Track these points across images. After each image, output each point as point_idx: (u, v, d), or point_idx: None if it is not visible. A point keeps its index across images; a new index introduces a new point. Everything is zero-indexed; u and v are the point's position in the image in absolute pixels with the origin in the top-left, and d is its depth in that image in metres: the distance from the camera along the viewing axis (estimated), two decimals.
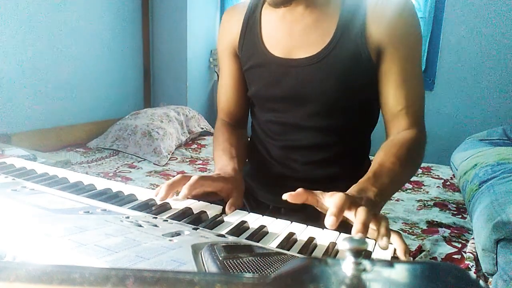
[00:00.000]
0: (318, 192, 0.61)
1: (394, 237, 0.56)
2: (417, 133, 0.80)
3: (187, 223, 0.57)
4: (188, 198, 0.69)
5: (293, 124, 0.87)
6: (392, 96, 0.80)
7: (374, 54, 0.79)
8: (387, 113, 0.83)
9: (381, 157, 0.74)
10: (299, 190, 0.60)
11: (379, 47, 0.78)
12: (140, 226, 0.51)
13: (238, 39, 0.91)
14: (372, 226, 0.54)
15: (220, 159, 0.87)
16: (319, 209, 0.61)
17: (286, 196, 0.59)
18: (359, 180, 0.66)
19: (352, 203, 0.56)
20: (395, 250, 0.55)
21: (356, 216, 0.53)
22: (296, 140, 0.87)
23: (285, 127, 0.88)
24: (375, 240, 0.55)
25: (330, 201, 0.56)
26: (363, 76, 0.81)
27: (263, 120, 0.92)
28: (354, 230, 0.52)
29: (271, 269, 0.39)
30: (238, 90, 0.97)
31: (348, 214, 0.56)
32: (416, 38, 0.80)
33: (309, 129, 0.86)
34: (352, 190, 0.62)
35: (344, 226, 0.57)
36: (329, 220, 0.52)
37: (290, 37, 0.83)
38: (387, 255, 0.53)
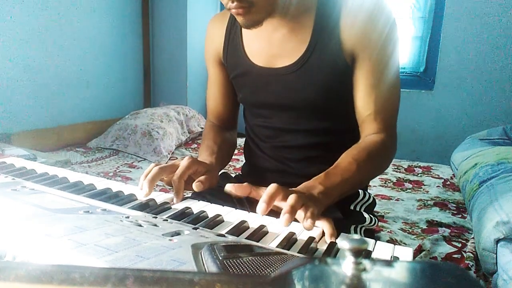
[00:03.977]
0: (261, 188, 0.63)
1: (322, 222, 0.59)
2: (383, 137, 0.80)
3: (187, 223, 0.57)
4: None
5: (281, 128, 0.89)
6: (361, 101, 0.81)
7: (349, 60, 0.79)
8: (357, 118, 0.84)
9: (340, 159, 0.75)
10: (244, 184, 0.63)
11: (352, 52, 0.79)
12: (140, 225, 0.51)
13: (222, 49, 0.93)
14: (300, 212, 0.58)
15: (201, 155, 0.90)
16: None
17: (228, 187, 0.63)
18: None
19: (285, 195, 0.59)
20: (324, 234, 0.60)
21: (287, 201, 0.57)
22: (286, 141, 0.90)
23: (273, 130, 0.91)
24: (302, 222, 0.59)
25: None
26: (343, 81, 0.81)
27: (253, 124, 0.95)
28: (282, 212, 0.56)
29: (271, 269, 0.39)
30: (225, 95, 0.99)
31: (281, 204, 0.59)
32: (388, 43, 0.78)
33: (297, 132, 0.88)
34: (299, 187, 0.65)
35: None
36: (260, 206, 0.57)
37: (269, 47, 0.84)
38: (387, 255, 0.54)
